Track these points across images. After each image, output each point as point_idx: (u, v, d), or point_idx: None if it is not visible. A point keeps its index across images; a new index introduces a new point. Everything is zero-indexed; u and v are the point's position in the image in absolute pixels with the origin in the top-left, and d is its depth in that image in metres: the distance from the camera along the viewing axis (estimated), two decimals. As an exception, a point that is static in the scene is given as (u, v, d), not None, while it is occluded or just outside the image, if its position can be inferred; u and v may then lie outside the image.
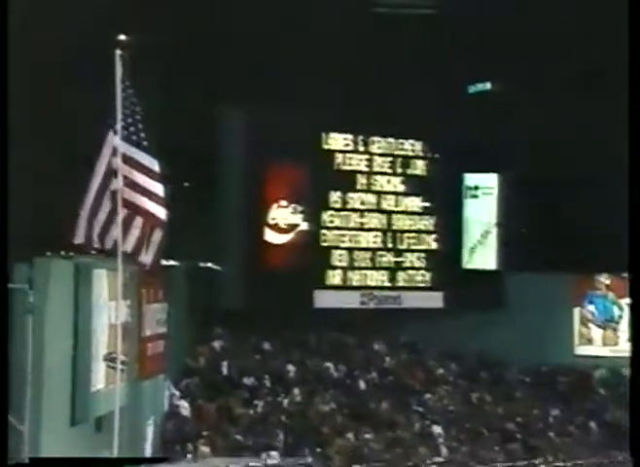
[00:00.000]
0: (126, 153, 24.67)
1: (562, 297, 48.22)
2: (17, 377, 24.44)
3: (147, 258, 25.43)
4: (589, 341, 48.10)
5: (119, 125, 24.15)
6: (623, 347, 47.06)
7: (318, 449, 38.19)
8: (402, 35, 44.13)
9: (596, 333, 48.28)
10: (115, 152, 24.06)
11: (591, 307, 48.20)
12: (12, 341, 23.70)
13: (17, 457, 24.72)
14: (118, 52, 24.38)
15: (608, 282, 48.26)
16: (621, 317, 48.23)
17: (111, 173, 24.10)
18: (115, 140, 24.22)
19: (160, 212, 25.26)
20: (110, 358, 27.84)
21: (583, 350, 48.07)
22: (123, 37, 26.23)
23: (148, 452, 34.36)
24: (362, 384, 42.60)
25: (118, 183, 24.12)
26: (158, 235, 25.30)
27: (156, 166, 24.93)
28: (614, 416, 44.90)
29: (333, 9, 42.22)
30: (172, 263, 31.52)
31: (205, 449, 36.31)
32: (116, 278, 25.79)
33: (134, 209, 24.97)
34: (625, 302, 47.89)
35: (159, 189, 24.93)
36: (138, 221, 25.16)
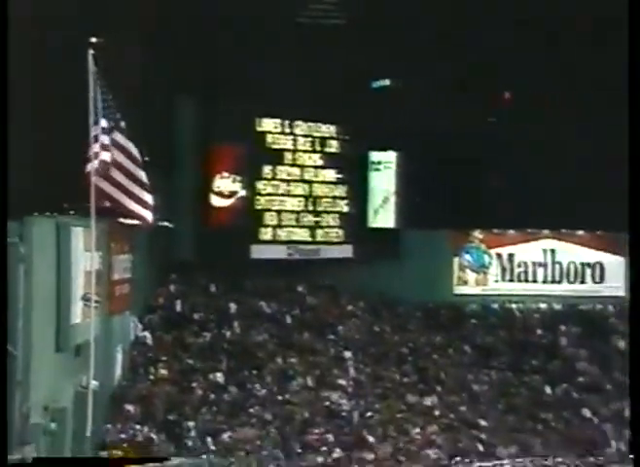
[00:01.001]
0: (104, 137, 25.04)
1: (445, 248, 48.39)
2: (12, 313, 24.36)
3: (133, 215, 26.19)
4: (465, 283, 48.46)
5: (92, 112, 24.45)
6: (491, 287, 48.80)
7: (254, 371, 38.57)
8: (319, 39, 44.57)
9: (471, 276, 48.52)
10: (94, 136, 24.66)
11: (467, 256, 48.46)
12: (7, 291, 23.61)
13: (13, 378, 24.55)
14: (90, 52, 24.57)
15: (481, 236, 48.58)
16: (490, 264, 48.80)
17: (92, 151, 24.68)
18: (93, 124, 24.71)
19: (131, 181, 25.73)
20: (86, 298, 27.87)
21: (460, 290, 48.37)
22: (94, 39, 26.09)
23: (117, 374, 34.50)
24: (288, 319, 42.86)
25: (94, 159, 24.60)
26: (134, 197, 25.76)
27: (131, 147, 25.37)
28: (483, 341, 45.76)
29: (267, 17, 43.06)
30: (136, 221, 31.50)
31: (164, 372, 36.67)
32: (90, 234, 26.11)
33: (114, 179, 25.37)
34: (494, 252, 49.07)
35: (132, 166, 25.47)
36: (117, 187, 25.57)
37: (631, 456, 16.78)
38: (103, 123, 25.11)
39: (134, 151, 25.77)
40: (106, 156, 25.19)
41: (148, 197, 26.02)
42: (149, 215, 26.63)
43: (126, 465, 18.22)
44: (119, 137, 25.40)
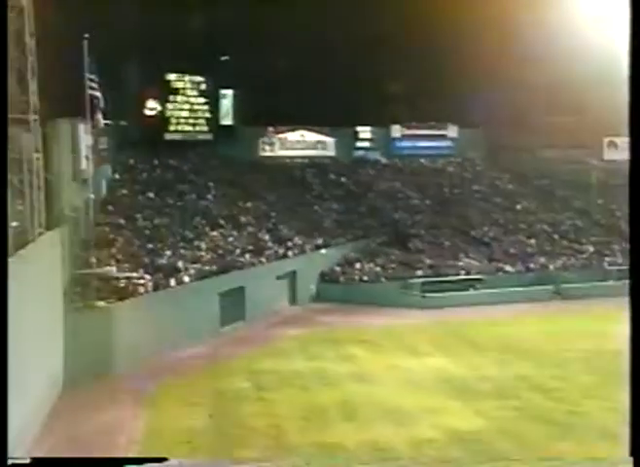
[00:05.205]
0: (92, 82, 25.30)
1: (255, 135, 47.45)
2: (51, 163, 24.66)
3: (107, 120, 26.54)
4: (266, 150, 47.74)
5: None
6: (277, 152, 47.51)
7: (166, 191, 38.06)
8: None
9: (268, 148, 47.20)
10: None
11: (265, 139, 47.36)
12: (49, 153, 23.47)
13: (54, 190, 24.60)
14: (85, 42, 24.61)
15: (271, 129, 47.61)
16: (274, 142, 47.54)
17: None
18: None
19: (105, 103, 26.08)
20: (86, 156, 28.32)
21: (263, 153, 47.55)
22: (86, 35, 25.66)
23: (104, 192, 33.93)
24: (185, 167, 42.14)
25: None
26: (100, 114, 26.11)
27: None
28: (272, 177, 44.97)
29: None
30: (108, 121, 31.51)
31: (124, 191, 36.42)
32: (87, 128, 26.49)
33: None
34: (277, 136, 47.63)
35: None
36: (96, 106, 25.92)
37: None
38: (90, 75, 25.54)
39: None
40: (92, 92, 25.70)
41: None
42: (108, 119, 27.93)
43: (126, 465, 11.67)
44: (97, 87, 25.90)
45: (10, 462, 10.47)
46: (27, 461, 10.45)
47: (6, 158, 14.32)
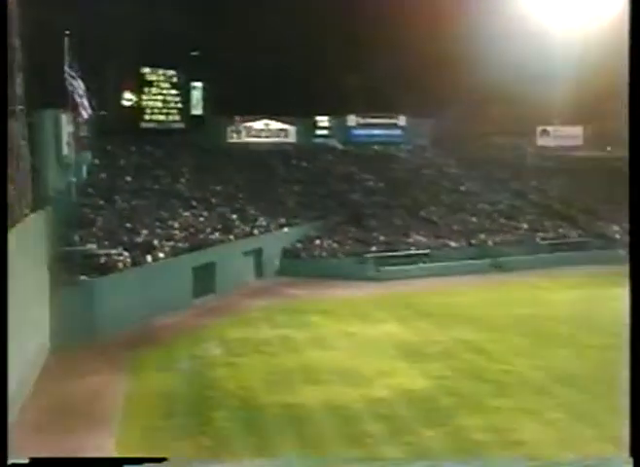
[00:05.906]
0: (72, 75, 24.86)
1: (223, 124, 46.64)
2: (38, 149, 24.36)
3: (86, 110, 26.01)
4: (233, 138, 47.32)
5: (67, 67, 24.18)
6: (242, 139, 47.06)
7: (143, 172, 37.91)
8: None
9: (236, 135, 47.33)
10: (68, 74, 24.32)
11: (233, 127, 47.00)
12: (34, 141, 23.03)
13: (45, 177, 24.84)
14: (66, 38, 24.13)
15: (237, 118, 46.91)
16: (240, 130, 47.18)
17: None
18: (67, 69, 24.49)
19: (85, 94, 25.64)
20: (68, 143, 27.92)
21: (230, 140, 46.70)
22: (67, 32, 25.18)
23: (85, 175, 33.38)
24: (158, 153, 41.79)
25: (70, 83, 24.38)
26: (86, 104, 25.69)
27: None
28: (241, 160, 44.06)
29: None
30: (90, 111, 30.87)
31: (103, 175, 35.81)
32: (68, 117, 26.02)
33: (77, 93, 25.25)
34: (243, 125, 46.99)
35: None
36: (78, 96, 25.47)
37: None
38: (71, 69, 25.12)
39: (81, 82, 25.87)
40: (73, 84, 25.26)
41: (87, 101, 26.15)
42: (88, 109, 27.17)
43: (126, 465, 10.22)
44: (77, 80, 25.46)
45: (10, 462, 9.66)
46: (27, 461, 9.59)
47: (6, 145, 13.69)
